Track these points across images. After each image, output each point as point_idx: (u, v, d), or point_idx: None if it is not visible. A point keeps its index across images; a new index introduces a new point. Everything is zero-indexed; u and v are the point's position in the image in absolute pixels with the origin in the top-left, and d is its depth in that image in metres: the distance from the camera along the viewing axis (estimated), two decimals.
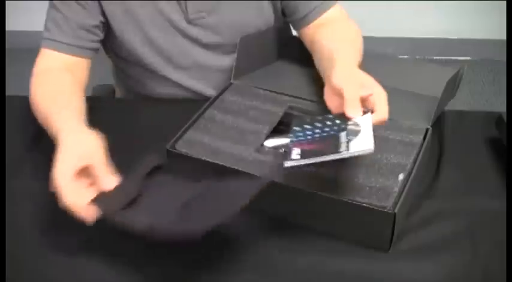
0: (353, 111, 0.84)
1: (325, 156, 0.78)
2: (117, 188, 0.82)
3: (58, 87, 1.02)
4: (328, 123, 0.87)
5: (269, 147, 0.93)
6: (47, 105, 0.97)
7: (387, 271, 0.81)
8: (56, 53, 1.07)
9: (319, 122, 0.88)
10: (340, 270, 0.81)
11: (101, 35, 1.10)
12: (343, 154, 0.78)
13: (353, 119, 0.84)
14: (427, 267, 0.81)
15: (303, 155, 0.80)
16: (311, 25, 1.12)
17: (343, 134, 0.82)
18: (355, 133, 0.81)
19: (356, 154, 0.78)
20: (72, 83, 1.03)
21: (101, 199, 0.80)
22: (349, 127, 0.83)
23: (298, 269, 0.81)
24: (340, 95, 0.87)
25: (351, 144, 0.79)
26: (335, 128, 0.85)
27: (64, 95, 0.99)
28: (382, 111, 0.84)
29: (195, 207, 0.79)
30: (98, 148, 0.83)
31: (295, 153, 0.81)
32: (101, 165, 0.81)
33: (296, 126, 0.88)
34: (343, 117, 0.85)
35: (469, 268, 0.81)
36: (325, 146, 0.81)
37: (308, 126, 0.87)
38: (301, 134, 0.86)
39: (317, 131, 0.86)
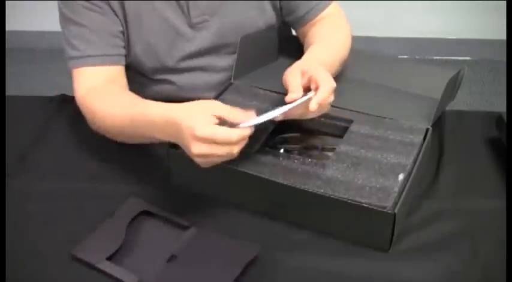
0: (291, 95, 0.90)
1: (272, 112, 0.84)
2: (102, 236, 0.84)
3: (117, 95, 0.99)
4: None
5: (269, 148, 0.93)
6: (124, 112, 0.93)
7: (387, 271, 0.81)
8: (92, 68, 1.03)
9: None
10: (340, 270, 0.81)
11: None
12: (286, 106, 0.85)
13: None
14: (427, 267, 0.81)
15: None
16: (309, 24, 1.13)
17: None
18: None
19: (297, 102, 0.86)
20: (123, 90, 1.02)
21: (86, 248, 0.82)
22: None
23: (298, 268, 0.81)
24: (285, 85, 0.93)
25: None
26: None
27: (130, 96, 0.98)
28: (321, 90, 0.88)
29: (183, 261, 0.80)
30: (210, 103, 0.83)
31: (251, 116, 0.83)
32: (223, 108, 0.81)
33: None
34: None
35: (469, 268, 0.81)
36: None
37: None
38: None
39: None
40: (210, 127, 0.78)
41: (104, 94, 1.00)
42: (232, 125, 0.80)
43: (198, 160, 0.80)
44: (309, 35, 1.12)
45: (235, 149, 0.80)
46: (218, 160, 0.81)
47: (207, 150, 0.78)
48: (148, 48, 1.09)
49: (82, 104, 1.02)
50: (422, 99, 1.03)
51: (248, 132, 0.81)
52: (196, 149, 0.78)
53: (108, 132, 1.00)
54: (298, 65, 0.96)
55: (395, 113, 0.99)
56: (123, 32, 1.06)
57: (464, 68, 1.02)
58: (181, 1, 1.06)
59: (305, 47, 1.11)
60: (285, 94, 1.03)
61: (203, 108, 0.81)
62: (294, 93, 0.89)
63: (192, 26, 1.09)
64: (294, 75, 0.93)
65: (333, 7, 1.15)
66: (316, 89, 0.89)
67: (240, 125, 0.80)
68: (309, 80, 0.91)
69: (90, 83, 1.02)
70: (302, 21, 1.13)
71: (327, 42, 1.08)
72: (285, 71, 0.96)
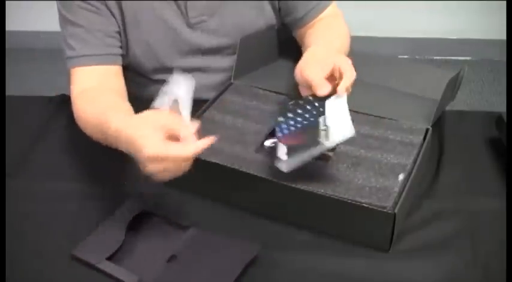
0: (322, 90, 0.90)
1: (310, 152, 0.81)
2: (102, 236, 0.83)
3: (105, 103, 0.97)
4: (308, 107, 0.89)
5: (269, 147, 0.93)
6: (95, 119, 0.92)
7: (387, 271, 0.81)
8: (88, 68, 1.03)
9: (300, 107, 0.90)
10: (340, 270, 0.81)
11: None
12: (325, 145, 0.82)
13: (329, 101, 0.87)
14: (427, 267, 0.81)
15: (289, 151, 0.82)
16: (307, 26, 1.13)
17: (321, 120, 0.85)
18: (333, 119, 0.85)
19: (338, 142, 0.82)
20: (115, 98, 1.00)
21: (86, 248, 0.82)
22: (327, 112, 0.86)
23: (298, 268, 0.81)
24: (307, 82, 0.92)
25: (331, 132, 0.82)
26: (314, 112, 0.87)
27: (109, 102, 0.96)
28: (348, 75, 0.89)
29: (183, 261, 0.80)
30: (158, 116, 0.80)
31: (282, 152, 0.83)
32: (175, 123, 0.78)
33: (280, 116, 0.89)
34: (320, 99, 0.89)
35: (469, 268, 0.81)
36: (309, 137, 0.83)
37: (291, 115, 0.89)
38: (285, 126, 0.87)
39: (299, 119, 0.88)
40: (159, 146, 0.75)
41: (88, 98, 0.99)
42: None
43: (154, 177, 0.78)
44: (308, 35, 1.12)
45: (188, 166, 0.78)
46: (172, 175, 0.79)
47: (162, 169, 0.77)
48: (147, 48, 1.09)
49: (72, 106, 1.03)
50: (422, 99, 1.02)
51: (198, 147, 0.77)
52: (149, 168, 0.76)
53: (88, 135, 0.98)
54: (312, 59, 0.96)
55: (395, 113, 0.99)
56: (119, 33, 1.06)
57: (464, 69, 1.02)
58: (179, 1, 1.06)
59: (303, 48, 1.11)
60: (285, 94, 1.03)
61: (149, 122, 0.78)
62: (323, 88, 0.90)
63: (191, 26, 1.09)
64: (313, 70, 0.93)
65: (331, 8, 1.14)
66: (340, 75, 0.90)
67: (276, 165, 0.83)
68: (332, 71, 0.92)
69: (85, 83, 1.02)
70: (300, 22, 1.13)
71: (330, 37, 1.07)
72: (284, 71, 0.96)
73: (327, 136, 0.82)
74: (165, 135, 0.77)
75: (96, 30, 1.03)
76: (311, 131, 0.84)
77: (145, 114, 0.80)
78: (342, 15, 1.16)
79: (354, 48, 1.11)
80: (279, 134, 0.86)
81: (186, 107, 0.82)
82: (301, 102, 0.91)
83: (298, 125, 0.87)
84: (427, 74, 1.13)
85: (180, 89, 0.82)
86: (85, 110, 0.97)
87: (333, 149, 0.92)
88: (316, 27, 1.12)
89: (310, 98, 0.91)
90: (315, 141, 0.82)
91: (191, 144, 0.77)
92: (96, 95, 1.00)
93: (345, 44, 1.10)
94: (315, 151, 0.82)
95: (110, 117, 0.86)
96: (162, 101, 0.83)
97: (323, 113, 0.86)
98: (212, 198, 0.92)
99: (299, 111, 0.89)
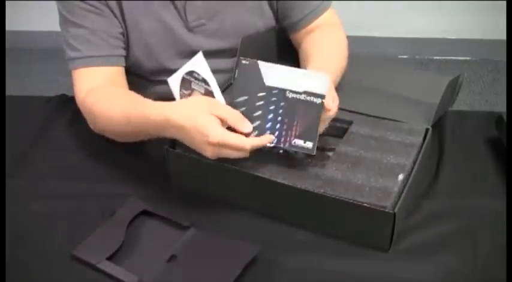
0: None
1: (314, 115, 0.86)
2: (102, 236, 0.84)
3: (115, 95, 0.99)
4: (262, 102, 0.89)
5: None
6: (121, 112, 0.93)
7: (387, 271, 0.81)
8: (92, 69, 1.02)
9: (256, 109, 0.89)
10: (340, 270, 0.81)
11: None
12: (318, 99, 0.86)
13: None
14: (427, 267, 0.81)
15: (304, 138, 0.86)
16: (303, 30, 1.13)
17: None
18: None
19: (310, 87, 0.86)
20: (131, 92, 1.01)
21: (86, 248, 0.82)
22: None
23: (298, 268, 0.81)
24: None
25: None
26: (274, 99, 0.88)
27: (128, 97, 0.98)
28: (327, 115, 0.89)
29: (183, 261, 0.80)
30: (214, 105, 0.85)
31: (301, 144, 0.86)
32: (234, 116, 0.85)
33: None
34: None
35: (469, 268, 0.81)
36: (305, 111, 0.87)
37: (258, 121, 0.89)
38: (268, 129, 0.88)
39: (270, 116, 0.88)
40: (221, 134, 0.82)
41: (102, 95, 1.00)
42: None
43: (211, 157, 0.85)
44: (306, 42, 1.11)
45: (248, 153, 0.84)
46: (231, 157, 0.85)
47: (222, 154, 0.83)
48: (147, 49, 1.09)
49: (82, 105, 1.02)
50: (422, 103, 1.02)
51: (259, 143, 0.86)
52: (210, 152, 0.83)
53: (107, 132, 1.00)
54: None
55: (395, 115, 0.99)
56: (122, 34, 1.06)
57: (464, 74, 1.02)
58: (178, 5, 1.06)
59: (301, 55, 1.10)
60: None
61: (202, 110, 0.84)
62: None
63: (190, 29, 1.09)
64: None
65: (329, 15, 1.14)
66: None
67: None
68: None
69: (90, 83, 1.02)
70: (297, 26, 1.13)
71: (328, 54, 1.07)
72: None
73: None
74: (218, 123, 0.83)
75: (101, 31, 1.02)
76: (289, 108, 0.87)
77: (200, 101, 0.86)
78: (341, 23, 1.15)
79: (354, 49, 1.11)
80: (275, 140, 0.87)
81: (215, 89, 0.88)
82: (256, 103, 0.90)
83: (277, 118, 0.87)
84: (426, 79, 1.13)
85: (205, 70, 0.88)
86: (103, 107, 0.97)
87: (332, 149, 0.92)
88: (316, 36, 1.10)
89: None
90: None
91: (251, 139, 0.85)
92: (110, 92, 1.00)
93: (345, 55, 1.08)
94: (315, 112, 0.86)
95: (142, 106, 0.91)
96: (187, 81, 0.90)
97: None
98: (212, 198, 0.92)
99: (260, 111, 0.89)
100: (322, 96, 0.86)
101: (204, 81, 0.88)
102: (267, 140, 0.86)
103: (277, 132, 0.87)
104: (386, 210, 0.80)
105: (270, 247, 0.83)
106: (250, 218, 0.89)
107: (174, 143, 0.93)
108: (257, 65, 0.90)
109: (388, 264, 0.82)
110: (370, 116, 0.99)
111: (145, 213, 0.88)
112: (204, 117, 0.83)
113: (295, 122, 0.86)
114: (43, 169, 1.01)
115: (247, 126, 0.85)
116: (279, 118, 0.87)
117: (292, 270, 0.81)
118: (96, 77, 1.02)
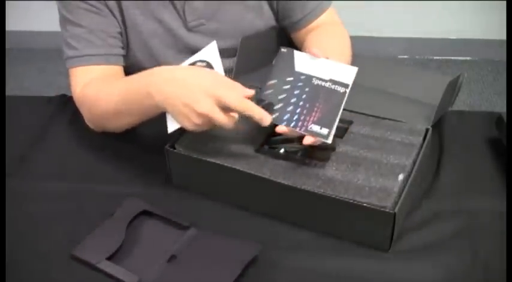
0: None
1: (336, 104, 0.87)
2: (102, 236, 0.84)
3: (110, 82, 1.00)
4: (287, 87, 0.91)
5: (269, 148, 0.93)
6: (117, 89, 0.95)
7: (387, 271, 0.81)
8: (90, 67, 1.03)
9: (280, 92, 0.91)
10: (340, 270, 0.81)
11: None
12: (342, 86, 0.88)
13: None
14: (427, 267, 0.81)
15: (321, 123, 0.87)
16: (303, 30, 1.12)
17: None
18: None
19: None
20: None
21: (86, 248, 0.82)
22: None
23: (298, 268, 0.81)
24: None
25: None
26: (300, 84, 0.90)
27: (121, 79, 1.01)
28: None
29: (183, 261, 0.80)
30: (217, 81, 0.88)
31: (317, 129, 0.87)
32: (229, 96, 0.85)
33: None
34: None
35: (469, 268, 0.81)
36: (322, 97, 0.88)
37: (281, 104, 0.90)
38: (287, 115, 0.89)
39: (292, 100, 0.90)
40: (211, 109, 0.83)
41: (95, 83, 1.01)
42: None
43: (196, 121, 0.84)
44: (308, 42, 1.10)
45: (234, 122, 0.85)
46: (212, 125, 0.85)
47: (213, 111, 0.83)
48: (146, 49, 1.09)
49: (79, 100, 1.02)
50: (422, 104, 1.02)
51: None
52: (203, 105, 0.83)
53: (100, 120, 1.00)
54: None
55: (396, 115, 0.99)
56: (121, 33, 1.06)
57: (464, 74, 1.02)
58: (177, 5, 1.06)
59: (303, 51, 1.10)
60: None
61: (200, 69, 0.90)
62: None
63: (189, 29, 1.09)
64: None
65: (329, 14, 1.14)
66: None
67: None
68: None
69: (87, 80, 1.02)
70: (297, 26, 1.13)
71: (331, 54, 1.07)
72: None
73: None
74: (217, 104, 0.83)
75: (99, 31, 1.03)
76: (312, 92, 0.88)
77: (204, 72, 0.89)
78: (342, 23, 1.15)
79: (354, 49, 1.11)
80: (292, 123, 0.88)
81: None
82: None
83: (299, 102, 0.89)
84: (426, 79, 1.13)
85: (214, 56, 0.93)
86: (93, 90, 0.99)
87: (333, 149, 0.92)
88: (318, 36, 1.10)
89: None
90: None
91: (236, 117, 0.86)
92: (104, 80, 1.01)
93: (348, 55, 1.08)
94: (337, 100, 0.87)
95: (136, 75, 0.93)
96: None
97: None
98: (212, 198, 0.92)
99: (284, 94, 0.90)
100: (346, 86, 0.87)
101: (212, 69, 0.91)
102: (264, 116, 0.86)
103: (296, 116, 0.88)
104: (387, 210, 0.80)
105: (270, 247, 0.83)
106: (250, 218, 0.89)
107: (174, 143, 0.93)
108: (292, 52, 0.92)
109: (388, 264, 0.82)
110: (370, 116, 0.99)
111: (145, 213, 0.88)
112: (204, 71, 0.87)
113: (316, 108, 0.87)
114: (43, 169, 1.01)
115: (248, 90, 0.87)
116: (301, 103, 0.88)
117: (292, 270, 0.81)
118: (93, 74, 1.03)
